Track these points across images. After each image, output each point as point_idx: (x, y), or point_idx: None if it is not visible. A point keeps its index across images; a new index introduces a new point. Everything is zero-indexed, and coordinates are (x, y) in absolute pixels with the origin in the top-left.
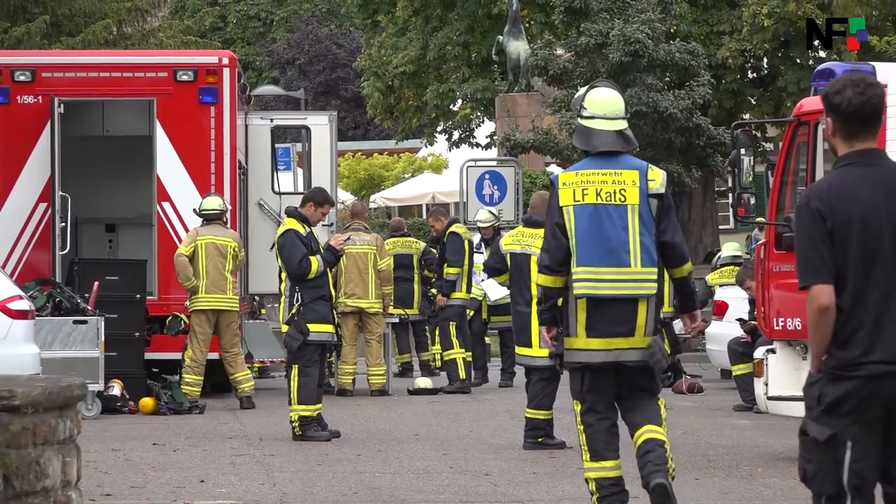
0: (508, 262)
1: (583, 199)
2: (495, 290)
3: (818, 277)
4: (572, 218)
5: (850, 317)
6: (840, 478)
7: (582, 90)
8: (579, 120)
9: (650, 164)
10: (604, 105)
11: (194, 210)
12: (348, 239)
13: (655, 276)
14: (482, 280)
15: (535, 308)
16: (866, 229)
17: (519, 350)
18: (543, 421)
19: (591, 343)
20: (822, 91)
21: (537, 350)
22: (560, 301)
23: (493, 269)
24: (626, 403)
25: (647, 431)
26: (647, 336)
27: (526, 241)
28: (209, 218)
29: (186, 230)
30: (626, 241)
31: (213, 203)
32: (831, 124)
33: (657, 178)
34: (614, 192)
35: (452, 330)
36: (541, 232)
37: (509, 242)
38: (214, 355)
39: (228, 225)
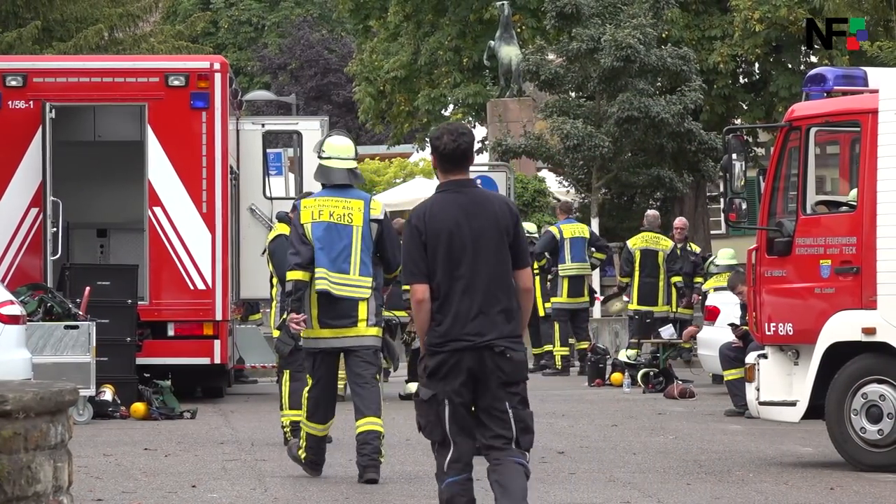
0: None
1: (319, 218)
2: None
3: (415, 278)
4: (309, 232)
5: (441, 306)
6: (444, 427)
7: (321, 137)
8: (319, 160)
9: (373, 196)
10: (338, 149)
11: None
12: None
13: (370, 284)
14: None
15: None
16: (451, 240)
17: None
18: None
19: (322, 332)
20: (429, 135)
21: None
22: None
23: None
24: (352, 388)
25: (367, 423)
26: (370, 328)
27: None
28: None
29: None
30: (350, 254)
31: None
32: (433, 160)
33: (377, 208)
34: (343, 216)
35: None
36: None
37: None
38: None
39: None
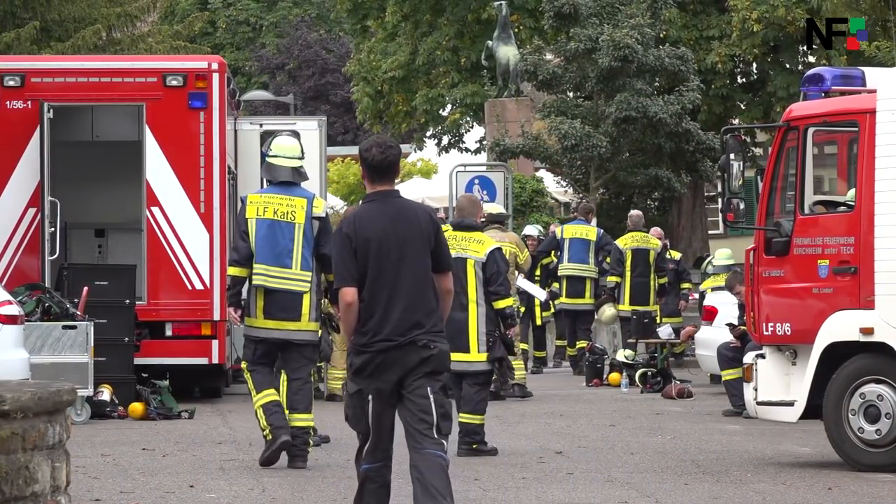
0: None
1: (263, 215)
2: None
3: (346, 282)
4: (254, 227)
5: (367, 308)
6: (367, 420)
7: (271, 137)
8: (267, 158)
9: (315, 195)
10: (284, 149)
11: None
12: None
13: (310, 278)
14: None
15: (472, 312)
16: (379, 247)
17: (453, 356)
18: (479, 426)
19: (266, 323)
20: (360, 148)
21: (475, 355)
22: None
23: None
24: (288, 383)
25: (300, 420)
26: (311, 322)
27: (459, 244)
28: (493, 221)
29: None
30: (291, 249)
31: (496, 208)
32: (363, 172)
33: (319, 206)
34: (286, 213)
35: None
36: (474, 235)
37: None
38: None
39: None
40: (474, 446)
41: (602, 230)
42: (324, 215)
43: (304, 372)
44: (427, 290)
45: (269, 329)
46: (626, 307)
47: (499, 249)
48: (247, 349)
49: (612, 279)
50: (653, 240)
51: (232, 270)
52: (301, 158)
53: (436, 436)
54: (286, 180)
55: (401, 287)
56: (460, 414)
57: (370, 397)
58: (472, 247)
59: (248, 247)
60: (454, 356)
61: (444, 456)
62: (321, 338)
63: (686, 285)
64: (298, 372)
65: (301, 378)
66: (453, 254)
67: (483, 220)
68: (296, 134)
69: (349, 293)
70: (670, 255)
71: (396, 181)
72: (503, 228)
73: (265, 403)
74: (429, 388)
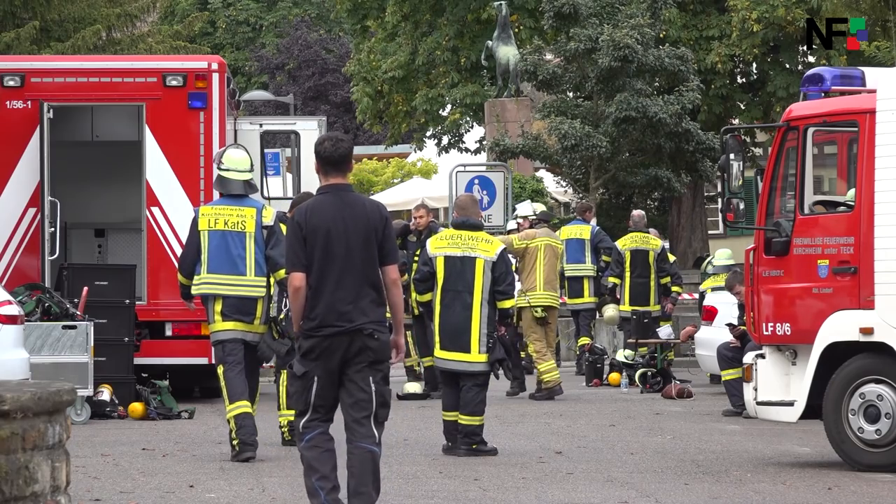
0: (441, 267)
1: (215, 226)
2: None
3: (294, 267)
4: (206, 239)
5: (315, 294)
6: (309, 399)
7: (220, 149)
8: (218, 171)
9: (265, 205)
10: (235, 162)
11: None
12: None
13: (264, 283)
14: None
15: (476, 312)
16: (328, 236)
17: (453, 356)
18: (478, 427)
19: (226, 325)
20: (314, 144)
21: (476, 356)
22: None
23: (420, 282)
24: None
25: (243, 407)
26: (263, 325)
27: (466, 243)
28: (543, 220)
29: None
30: (245, 256)
31: (539, 207)
32: (317, 165)
33: (268, 215)
34: (237, 223)
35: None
36: (481, 234)
37: (441, 246)
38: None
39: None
40: (474, 447)
41: (598, 227)
42: (272, 223)
43: (258, 369)
44: (374, 280)
45: (228, 330)
46: (626, 308)
47: (505, 249)
48: (216, 352)
49: (611, 280)
50: (653, 240)
51: (179, 278)
52: (251, 171)
53: (372, 424)
54: (237, 193)
55: (348, 276)
56: (460, 416)
57: (315, 378)
58: (481, 246)
59: (192, 258)
60: (455, 355)
61: (375, 448)
62: (262, 339)
63: (676, 289)
64: (255, 372)
65: (255, 373)
66: (459, 253)
67: (534, 217)
68: (242, 146)
69: (297, 278)
70: None
71: (349, 175)
72: (550, 227)
73: (236, 415)
74: (371, 378)
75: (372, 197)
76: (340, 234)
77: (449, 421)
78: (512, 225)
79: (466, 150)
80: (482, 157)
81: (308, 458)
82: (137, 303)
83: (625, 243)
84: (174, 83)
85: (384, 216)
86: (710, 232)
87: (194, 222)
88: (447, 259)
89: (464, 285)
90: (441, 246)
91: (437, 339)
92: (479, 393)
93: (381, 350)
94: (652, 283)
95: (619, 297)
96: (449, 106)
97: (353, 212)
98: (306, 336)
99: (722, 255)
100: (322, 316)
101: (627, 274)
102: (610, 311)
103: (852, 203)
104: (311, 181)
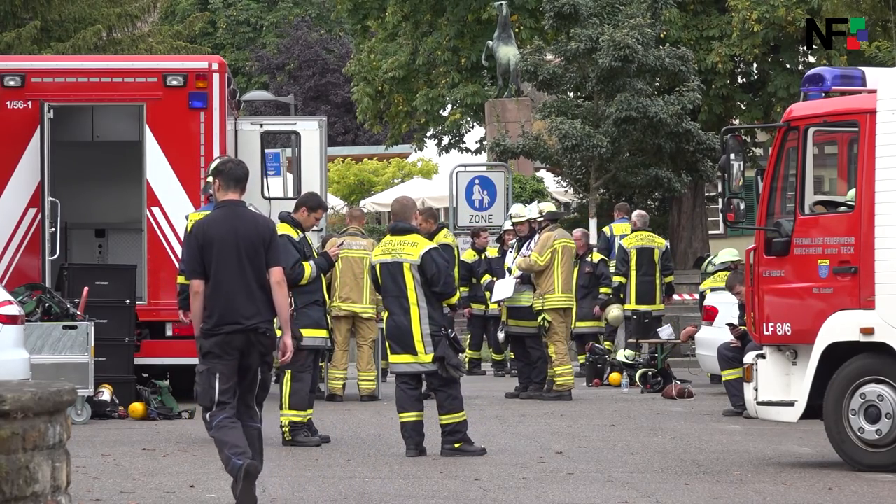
0: (380, 275)
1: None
2: (500, 291)
3: (193, 275)
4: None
5: (212, 298)
6: (213, 396)
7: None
8: (209, 179)
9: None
10: None
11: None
12: (342, 244)
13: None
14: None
15: (414, 315)
16: (221, 246)
17: (401, 358)
18: (459, 423)
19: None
20: (216, 165)
21: (423, 356)
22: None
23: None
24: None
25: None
26: None
27: (394, 248)
28: (553, 220)
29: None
30: None
31: (547, 207)
32: (217, 183)
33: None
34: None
35: None
36: (408, 238)
37: (378, 254)
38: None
39: None
40: (457, 445)
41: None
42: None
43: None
44: (262, 283)
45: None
46: (632, 307)
47: (435, 249)
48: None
49: (617, 279)
50: (657, 238)
51: (180, 279)
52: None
53: (256, 407)
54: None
55: (240, 280)
56: (439, 417)
57: (217, 375)
58: (406, 250)
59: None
60: (403, 358)
61: (258, 425)
62: None
63: (604, 290)
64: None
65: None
66: (389, 259)
67: (541, 217)
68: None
69: (196, 284)
70: (591, 258)
71: (244, 195)
72: (561, 226)
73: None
74: (261, 370)
75: (372, 197)
76: (231, 243)
77: (406, 422)
78: (507, 226)
79: (467, 150)
80: (482, 158)
81: (218, 438)
82: (138, 303)
83: (630, 242)
84: (175, 83)
85: (272, 228)
86: (710, 232)
87: (185, 231)
88: (382, 266)
89: (398, 290)
90: (378, 254)
91: (387, 344)
92: (448, 391)
93: (270, 344)
94: (657, 282)
95: (623, 296)
96: (449, 106)
97: (245, 225)
98: (206, 335)
99: (726, 253)
100: (219, 316)
101: (633, 273)
102: (614, 310)
103: (853, 203)
104: (312, 181)
